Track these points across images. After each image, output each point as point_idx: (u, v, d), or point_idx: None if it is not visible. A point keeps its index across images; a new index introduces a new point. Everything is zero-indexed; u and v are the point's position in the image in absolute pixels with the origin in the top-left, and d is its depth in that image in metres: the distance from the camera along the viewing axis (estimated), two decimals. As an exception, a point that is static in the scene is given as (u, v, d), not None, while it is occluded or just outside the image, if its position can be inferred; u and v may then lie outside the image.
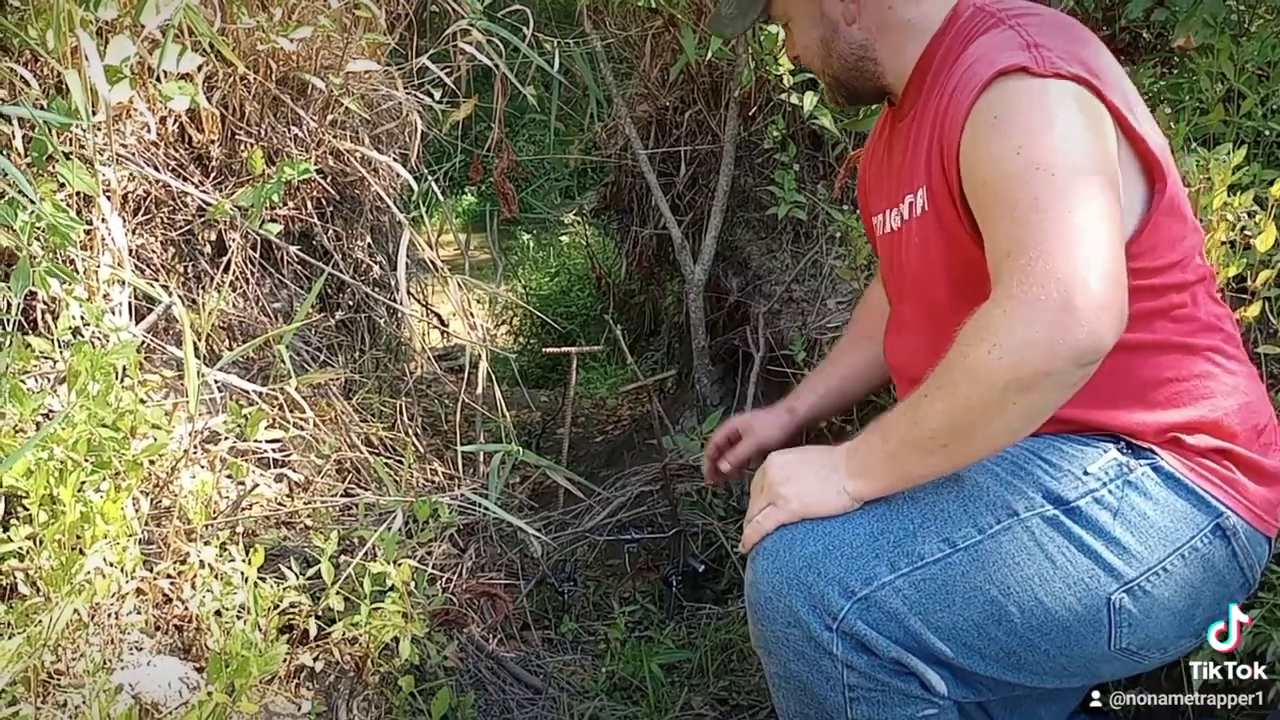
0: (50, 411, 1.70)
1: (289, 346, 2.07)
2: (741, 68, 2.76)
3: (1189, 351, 1.33)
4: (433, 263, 2.67)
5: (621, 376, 4.07)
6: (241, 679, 1.51)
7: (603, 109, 3.29)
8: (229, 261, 2.24)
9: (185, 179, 2.18)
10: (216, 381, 1.99)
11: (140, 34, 1.91)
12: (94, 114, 1.78)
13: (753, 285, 2.97)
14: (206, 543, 1.78)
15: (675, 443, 2.69)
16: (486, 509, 2.17)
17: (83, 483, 1.58)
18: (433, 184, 2.63)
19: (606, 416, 3.88)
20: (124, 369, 1.73)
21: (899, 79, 1.48)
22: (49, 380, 1.80)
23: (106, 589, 1.57)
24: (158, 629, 1.70)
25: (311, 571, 1.79)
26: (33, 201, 1.65)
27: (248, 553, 1.73)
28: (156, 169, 2.11)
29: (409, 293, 2.75)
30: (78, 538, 1.57)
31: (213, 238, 2.27)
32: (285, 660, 1.69)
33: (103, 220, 1.91)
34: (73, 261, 1.87)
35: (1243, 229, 1.67)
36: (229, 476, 1.96)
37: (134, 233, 2.10)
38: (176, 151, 2.20)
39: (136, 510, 1.72)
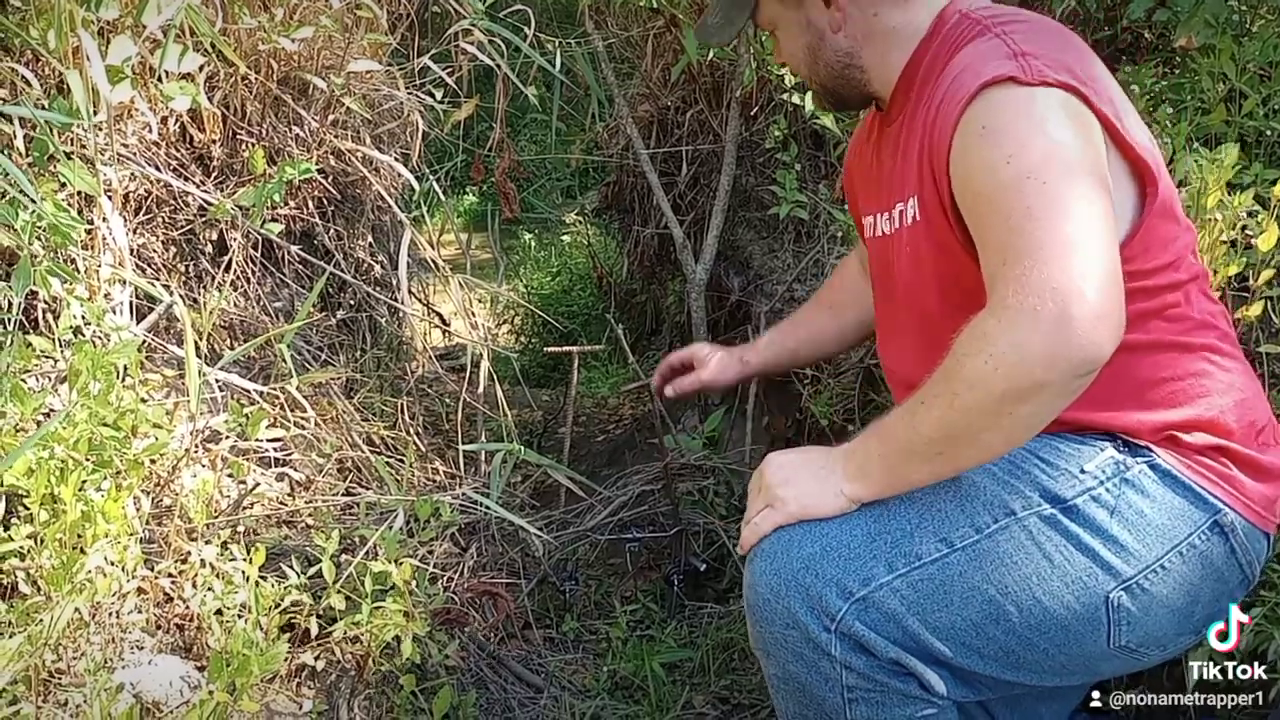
0: (51, 410, 1.70)
1: (290, 346, 2.07)
2: (743, 67, 2.76)
3: (1184, 350, 1.33)
4: (434, 262, 2.67)
5: (623, 376, 4.06)
6: (243, 678, 1.51)
7: (604, 109, 3.29)
8: (230, 261, 2.24)
9: (186, 179, 2.18)
10: (218, 381, 2.00)
11: (142, 34, 1.91)
12: (95, 114, 1.78)
13: (754, 285, 2.98)
14: (208, 542, 1.79)
15: (677, 442, 2.69)
16: (488, 508, 2.17)
17: (84, 482, 1.58)
18: (434, 184, 2.63)
19: (608, 416, 3.89)
20: (125, 368, 1.73)
21: (886, 85, 1.48)
22: (50, 379, 1.80)
23: (107, 588, 1.58)
24: (159, 628, 1.70)
25: (313, 570, 1.79)
26: (34, 201, 1.65)
27: (249, 552, 1.73)
28: (158, 169, 2.11)
29: (410, 292, 2.75)
30: (79, 537, 1.57)
31: (214, 237, 2.27)
32: (286, 659, 1.69)
33: (104, 220, 1.91)
34: (74, 261, 1.87)
35: (1243, 228, 1.67)
36: (230, 475, 1.96)
37: (135, 232, 2.10)
38: (178, 151, 2.20)
39: (137, 509, 1.72)
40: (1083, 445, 1.33)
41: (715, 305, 3.06)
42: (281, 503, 2.05)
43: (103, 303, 1.86)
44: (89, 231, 1.89)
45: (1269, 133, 1.91)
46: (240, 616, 1.69)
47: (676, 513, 2.48)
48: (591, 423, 3.81)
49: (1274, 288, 1.68)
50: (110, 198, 1.93)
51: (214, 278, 2.24)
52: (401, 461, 2.32)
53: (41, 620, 1.46)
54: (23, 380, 1.66)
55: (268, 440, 2.03)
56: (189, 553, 1.75)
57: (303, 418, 2.15)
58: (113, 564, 1.61)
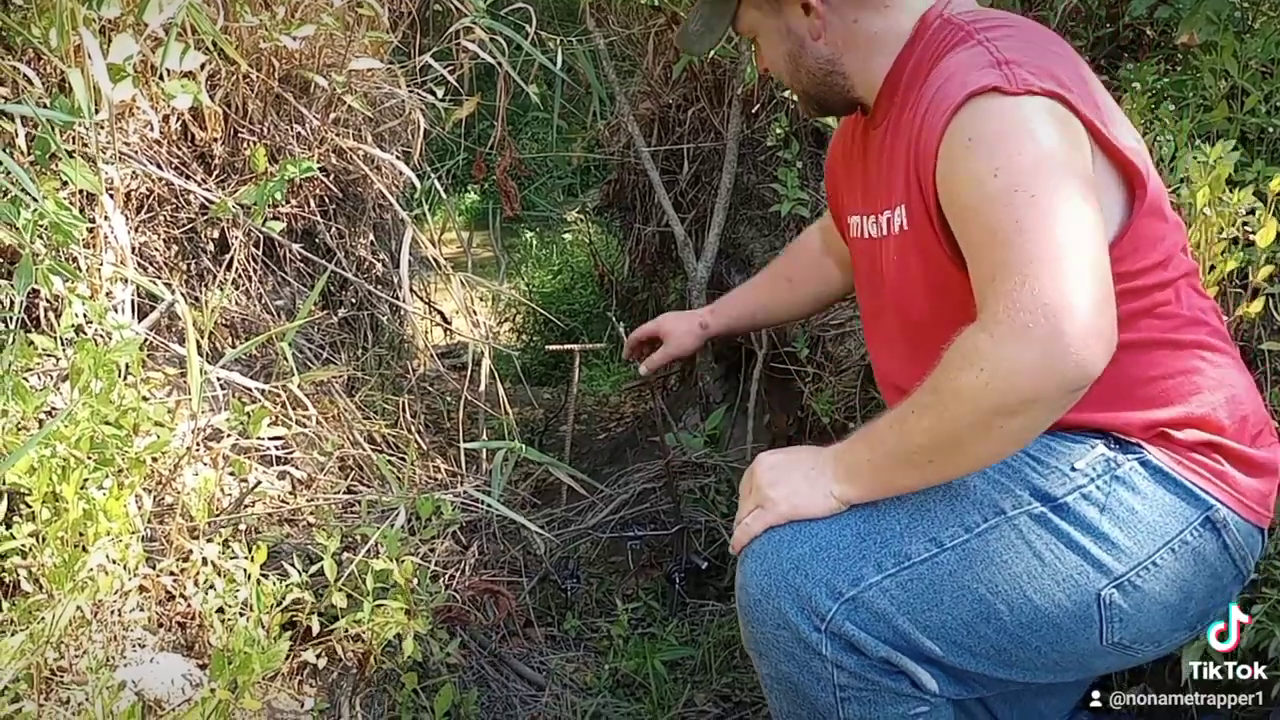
0: (53, 409, 1.70)
1: (291, 344, 2.07)
2: (744, 65, 2.76)
3: (1175, 347, 1.33)
4: (435, 260, 2.68)
5: (624, 374, 4.07)
6: (244, 676, 1.52)
7: (605, 107, 3.29)
8: (232, 259, 2.24)
9: (188, 177, 2.18)
10: (219, 379, 2.00)
11: (143, 32, 1.91)
12: (97, 112, 1.78)
13: (755, 283, 2.97)
14: (209, 540, 1.79)
15: (678, 440, 2.69)
16: (489, 506, 2.17)
17: (85, 480, 1.58)
18: (435, 182, 2.63)
19: (609, 414, 3.89)
20: (127, 366, 1.73)
21: (870, 91, 1.47)
22: (52, 378, 1.80)
23: (109, 586, 1.58)
24: (160, 626, 1.71)
25: (314, 569, 1.79)
26: (35, 199, 1.65)
27: (250, 550, 1.73)
28: (159, 167, 2.11)
29: (412, 290, 2.75)
30: (80, 535, 1.58)
31: (215, 235, 2.27)
32: (288, 657, 1.69)
33: (105, 218, 1.91)
34: (75, 259, 1.87)
35: (1243, 224, 1.67)
36: (232, 474, 1.97)
37: (137, 230, 2.10)
38: (179, 149, 2.20)
39: (139, 507, 1.72)
40: (1074, 443, 1.32)
41: (716, 303, 3.06)
42: (283, 501, 2.06)
43: (104, 301, 1.86)
44: (91, 230, 1.89)
45: (1270, 130, 1.91)
46: (242, 614, 1.69)
47: (678, 510, 2.48)
48: (593, 421, 3.81)
49: (1274, 284, 1.68)
50: (112, 196, 1.93)
51: (215, 276, 2.24)
52: (403, 459, 2.32)
53: (43, 618, 1.47)
54: (25, 378, 1.66)
55: (269, 438, 2.03)
56: (191, 551, 1.75)
57: (304, 416, 2.16)
58: (114, 562, 1.61)
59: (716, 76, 2.98)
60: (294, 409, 2.13)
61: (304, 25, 2.17)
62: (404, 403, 2.56)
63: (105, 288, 1.89)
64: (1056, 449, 1.32)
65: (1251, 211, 1.66)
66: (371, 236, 2.72)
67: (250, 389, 2.05)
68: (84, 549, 1.57)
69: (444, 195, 2.80)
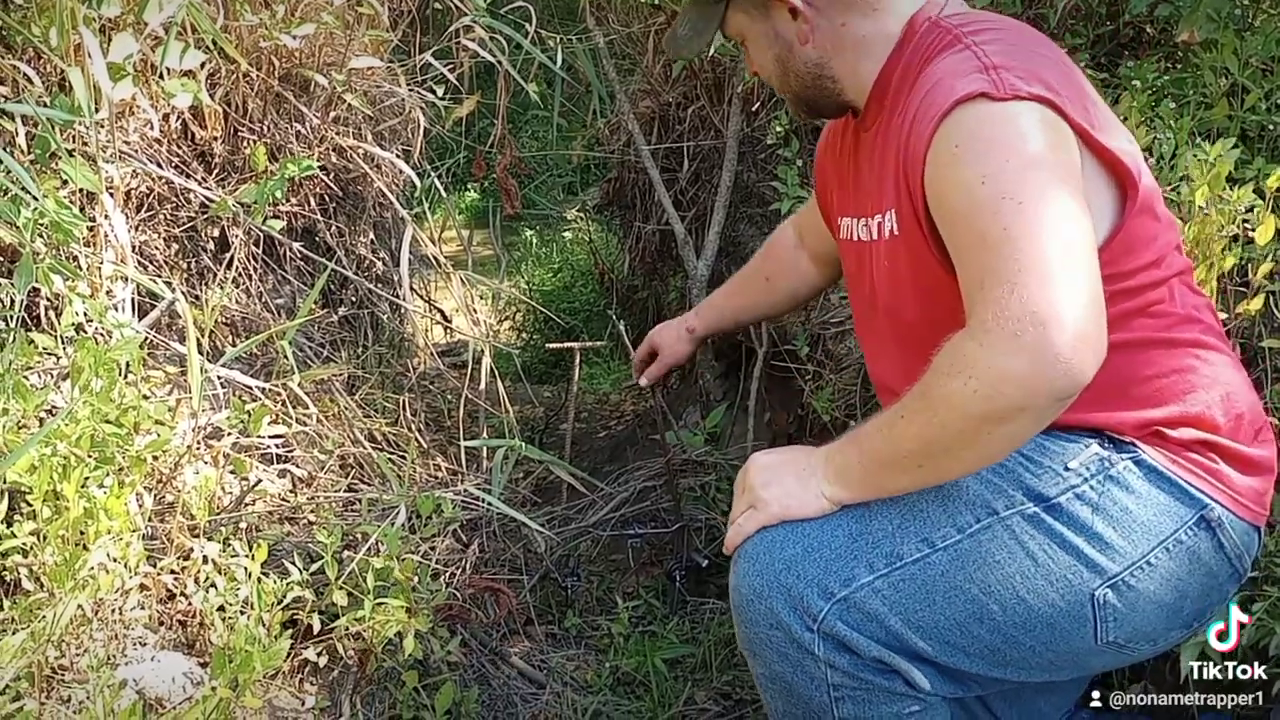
0: (54, 408, 1.70)
1: (292, 342, 2.07)
2: (744, 64, 2.76)
3: (1169, 346, 1.33)
4: (436, 259, 2.68)
5: (624, 372, 4.07)
6: (245, 674, 1.52)
7: (605, 105, 3.29)
8: (232, 258, 2.24)
9: (188, 175, 2.18)
10: (220, 377, 2.00)
11: (143, 31, 1.92)
12: (97, 111, 1.78)
13: (756, 281, 2.97)
14: (210, 538, 1.79)
15: (679, 438, 2.69)
16: (490, 504, 2.17)
17: (86, 478, 1.59)
18: (435, 180, 2.63)
19: (609, 412, 3.89)
20: (127, 365, 1.73)
21: (860, 94, 1.46)
22: (52, 376, 1.80)
23: (110, 584, 1.58)
24: (161, 624, 1.71)
25: (315, 567, 1.79)
26: (36, 198, 1.65)
27: (251, 548, 1.74)
28: (159, 166, 2.11)
29: (412, 289, 2.75)
30: (81, 533, 1.58)
31: (216, 234, 2.27)
32: (289, 655, 1.70)
33: (106, 217, 1.91)
34: (76, 258, 1.87)
35: (1243, 222, 1.67)
36: (232, 472, 1.97)
37: (137, 229, 2.10)
38: (179, 148, 2.20)
39: (140, 506, 1.72)
40: (1068, 443, 1.32)
41: (717, 301, 3.06)
42: (284, 499, 2.06)
43: (105, 300, 1.86)
44: (91, 229, 1.89)
45: (1271, 127, 1.91)
46: (243, 613, 1.69)
47: (678, 508, 2.48)
48: (593, 419, 3.81)
49: (1274, 281, 1.68)
50: (112, 195, 1.94)
51: (216, 274, 2.25)
52: (403, 458, 2.32)
53: (44, 617, 1.47)
54: (25, 377, 1.66)
55: (270, 437, 2.03)
56: (191, 549, 1.75)
57: (305, 414, 2.16)
58: (115, 560, 1.61)
59: (716, 75, 2.98)
60: (294, 407, 2.13)
61: (304, 24, 2.17)
62: (404, 401, 2.56)
63: (105, 286, 1.89)
64: (1050, 449, 1.32)
65: (1251, 209, 1.66)
66: (372, 235, 2.72)
67: (251, 387, 2.05)
68: (85, 547, 1.57)
69: (444, 193, 2.81)
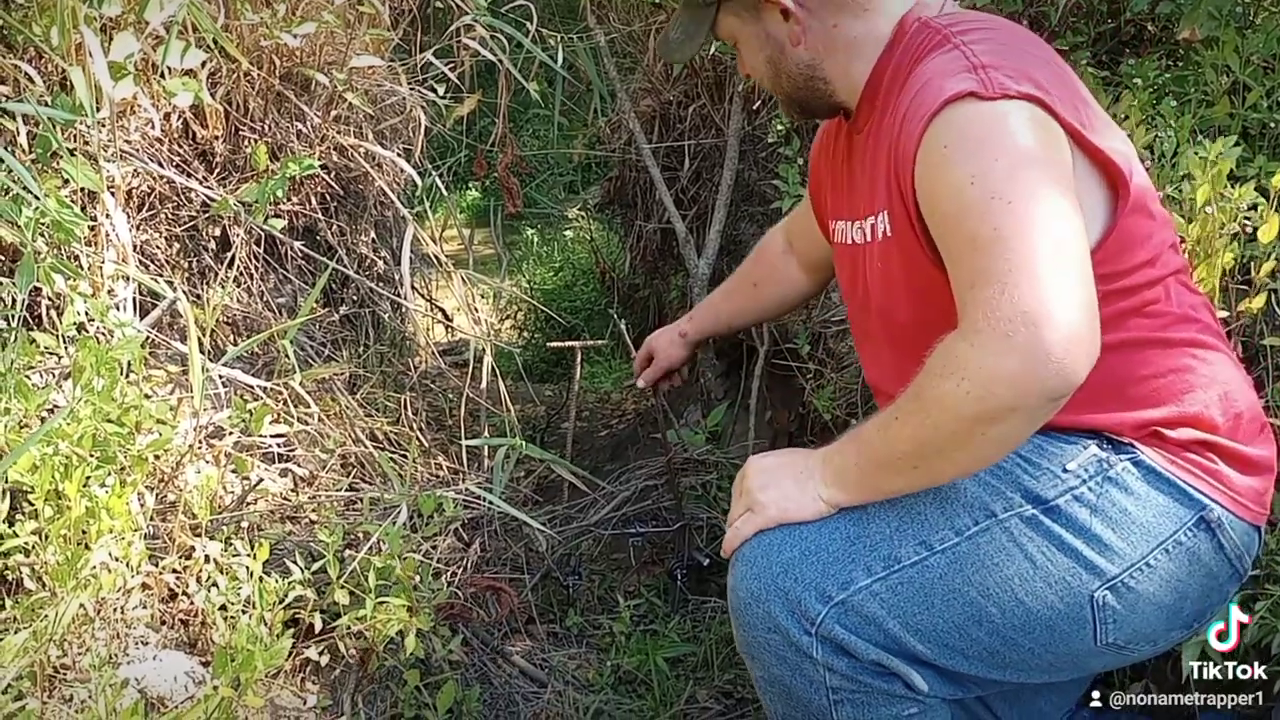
0: (55, 407, 1.70)
1: (293, 341, 2.08)
2: (744, 62, 2.76)
3: (1166, 346, 1.32)
4: (437, 258, 2.68)
5: (626, 371, 4.06)
6: (247, 673, 1.52)
7: (606, 104, 3.29)
8: (233, 257, 2.25)
9: (189, 175, 2.19)
10: (221, 377, 2.00)
11: (144, 30, 1.92)
12: (98, 110, 1.78)
13: (756, 279, 2.97)
14: (211, 537, 1.79)
15: (680, 436, 2.69)
16: (491, 503, 2.17)
17: (88, 478, 1.59)
18: (436, 179, 2.63)
19: (611, 411, 3.89)
20: (129, 364, 1.73)
21: (851, 95, 1.46)
22: (54, 376, 1.80)
23: (112, 584, 1.58)
24: (163, 623, 1.71)
25: (316, 566, 1.79)
26: (37, 198, 1.65)
27: (253, 547, 1.74)
28: (161, 165, 2.12)
29: (413, 288, 2.76)
30: (83, 533, 1.58)
31: (217, 233, 2.28)
32: (290, 654, 1.70)
33: (107, 216, 1.91)
34: (77, 257, 1.87)
35: (1243, 220, 1.66)
36: (234, 471, 1.97)
37: (138, 228, 2.10)
38: (181, 147, 2.20)
39: (141, 505, 1.72)
40: (1066, 444, 1.31)
41: (718, 300, 3.06)
42: (285, 498, 2.06)
43: (106, 299, 1.86)
44: (92, 228, 1.90)
45: (1272, 125, 1.91)
46: (244, 612, 1.69)
47: (680, 507, 2.48)
48: (594, 418, 3.81)
49: (1276, 280, 1.68)
50: (113, 194, 1.94)
51: (217, 274, 2.25)
52: (405, 457, 2.32)
53: (46, 616, 1.47)
54: (27, 376, 1.67)
55: (271, 436, 2.03)
56: (193, 548, 1.76)
57: (306, 413, 2.16)
58: (117, 560, 1.61)
59: (717, 73, 2.98)
60: (296, 406, 2.14)
61: (305, 23, 2.17)
62: (406, 400, 2.57)
63: (107, 285, 1.89)
64: (1048, 450, 1.31)
65: (1254, 207, 1.66)
66: (373, 234, 2.72)
67: (252, 386, 2.05)
68: (86, 547, 1.57)
69: (445, 192, 2.81)
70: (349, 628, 1.76)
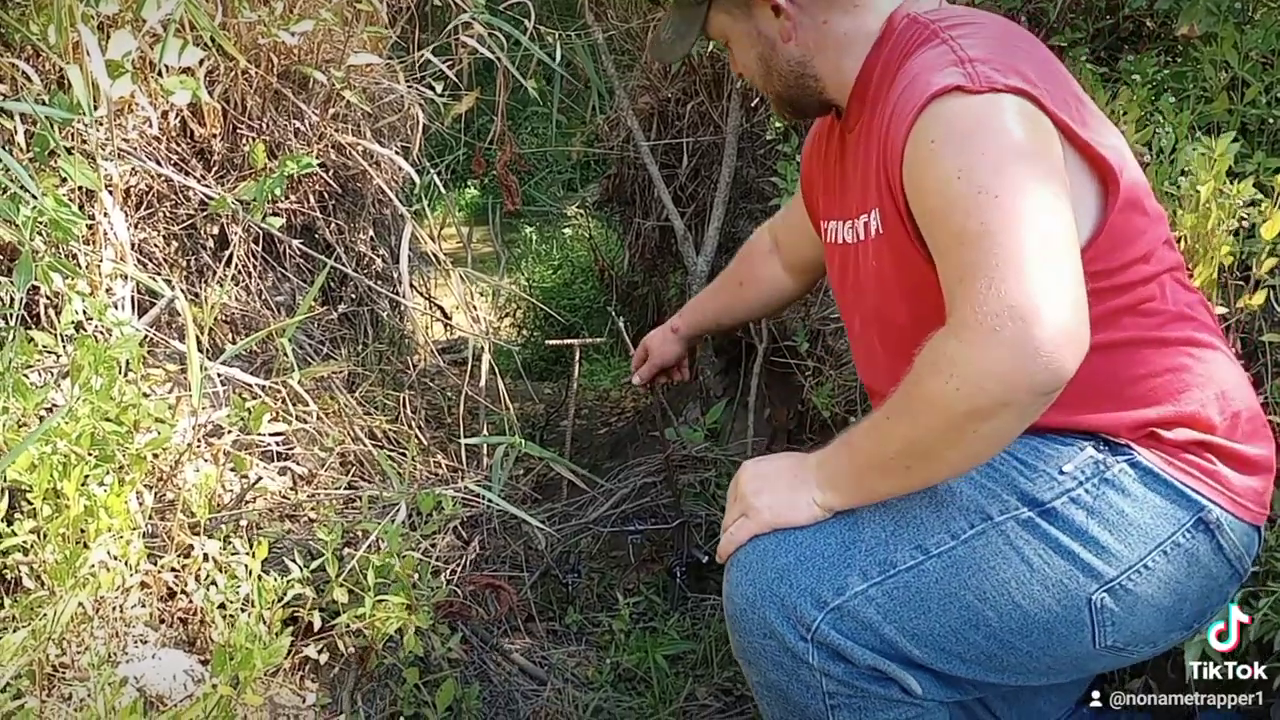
0: (53, 406, 1.70)
1: (292, 340, 2.07)
2: (742, 60, 2.76)
3: (1161, 345, 1.30)
4: (435, 256, 2.68)
5: (624, 368, 4.06)
6: (246, 671, 1.52)
7: (605, 101, 3.29)
8: (231, 255, 2.24)
9: (187, 173, 2.18)
10: (219, 375, 2.00)
11: (141, 29, 1.91)
12: (96, 109, 1.78)
13: (755, 277, 2.97)
14: (210, 536, 1.79)
15: (678, 434, 2.69)
16: (490, 501, 2.17)
17: (86, 477, 1.59)
18: (435, 177, 2.63)
19: (609, 408, 3.89)
20: (127, 363, 1.73)
21: (841, 93, 1.45)
22: (52, 374, 1.80)
23: (111, 582, 1.58)
24: (162, 622, 1.71)
25: (315, 564, 1.79)
26: (35, 196, 1.65)
27: (251, 546, 1.74)
28: (158, 163, 2.11)
29: (412, 286, 2.75)
30: (81, 531, 1.58)
31: (215, 232, 2.27)
32: (290, 653, 1.70)
33: (105, 215, 1.91)
34: (75, 256, 1.87)
35: (1243, 216, 1.66)
36: (232, 470, 1.97)
37: (136, 227, 2.10)
38: (178, 146, 2.20)
39: (140, 504, 1.72)
40: (1062, 446, 1.30)
41: (717, 297, 3.06)
42: (284, 497, 2.06)
43: (104, 298, 1.86)
44: (90, 227, 1.89)
45: (1271, 121, 1.90)
46: (243, 610, 1.69)
47: (678, 505, 2.48)
48: (593, 415, 3.81)
49: (1276, 276, 1.68)
50: (111, 193, 1.93)
51: (215, 272, 2.25)
52: (403, 455, 2.32)
53: (45, 615, 1.47)
54: (25, 375, 1.66)
55: (270, 434, 2.03)
56: (192, 547, 1.76)
57: (305, 412, 2.16)
58: (116, 558, 1.61)
59: (716, 70, 2.98)
60: (294, 405, 2.13)
61: (302, 21, 2.17)
62: (404, 398, 2.57)
63: (105, 284, 1.89)
64: (1045, 452, 1.30)
65: (1254, 203, 1.66)
66: (371, 232, 2.72)
67: (251, 385, 2.05)
68: (85, 545, 1.57)
69: (443, 190, 2.81)
70: (348, 626, 1.76)
